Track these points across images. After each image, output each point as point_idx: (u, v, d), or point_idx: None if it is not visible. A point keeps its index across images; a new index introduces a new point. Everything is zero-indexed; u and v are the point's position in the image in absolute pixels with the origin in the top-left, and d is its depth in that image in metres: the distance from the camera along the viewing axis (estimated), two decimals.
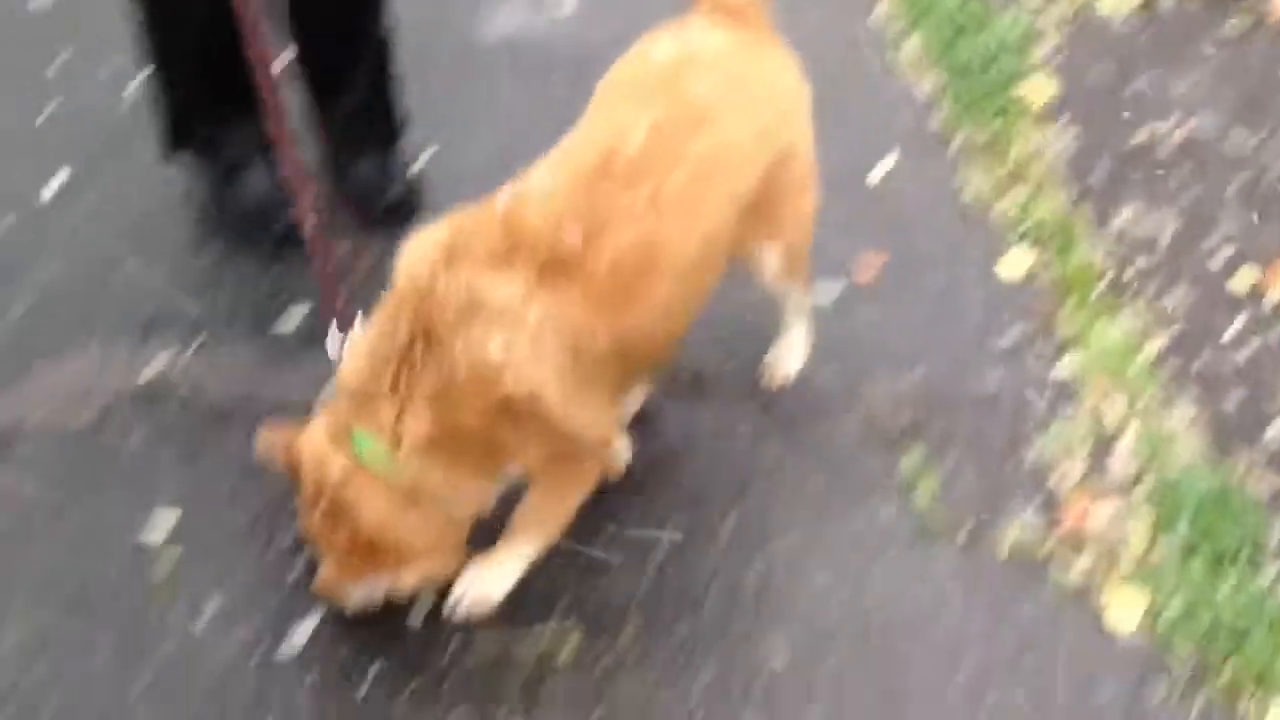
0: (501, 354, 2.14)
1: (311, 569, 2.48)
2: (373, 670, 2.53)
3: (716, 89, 2.35)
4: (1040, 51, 3.86)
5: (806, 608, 2.60)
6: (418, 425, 2.19)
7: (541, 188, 2.28)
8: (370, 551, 2.29)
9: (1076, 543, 2.65)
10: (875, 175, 3.43)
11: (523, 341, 2.15)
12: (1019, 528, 2.68)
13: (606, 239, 2.19)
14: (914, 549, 2.68)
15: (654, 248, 2.24)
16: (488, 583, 2.58)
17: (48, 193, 3.43)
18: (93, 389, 2.98)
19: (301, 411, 2.48)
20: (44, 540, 2.72)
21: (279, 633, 2.56)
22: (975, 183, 3.43)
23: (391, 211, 3.26)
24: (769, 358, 2.94)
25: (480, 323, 2.14)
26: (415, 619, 2.59)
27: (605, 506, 2.72)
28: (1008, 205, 3.37)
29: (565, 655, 2.53)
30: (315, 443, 2.29)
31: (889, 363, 2.99)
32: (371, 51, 3.18)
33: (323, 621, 2.58)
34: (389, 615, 2.56)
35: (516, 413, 2.20)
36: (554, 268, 2.18)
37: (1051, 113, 3.67)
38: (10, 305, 3.15)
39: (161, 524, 2.72)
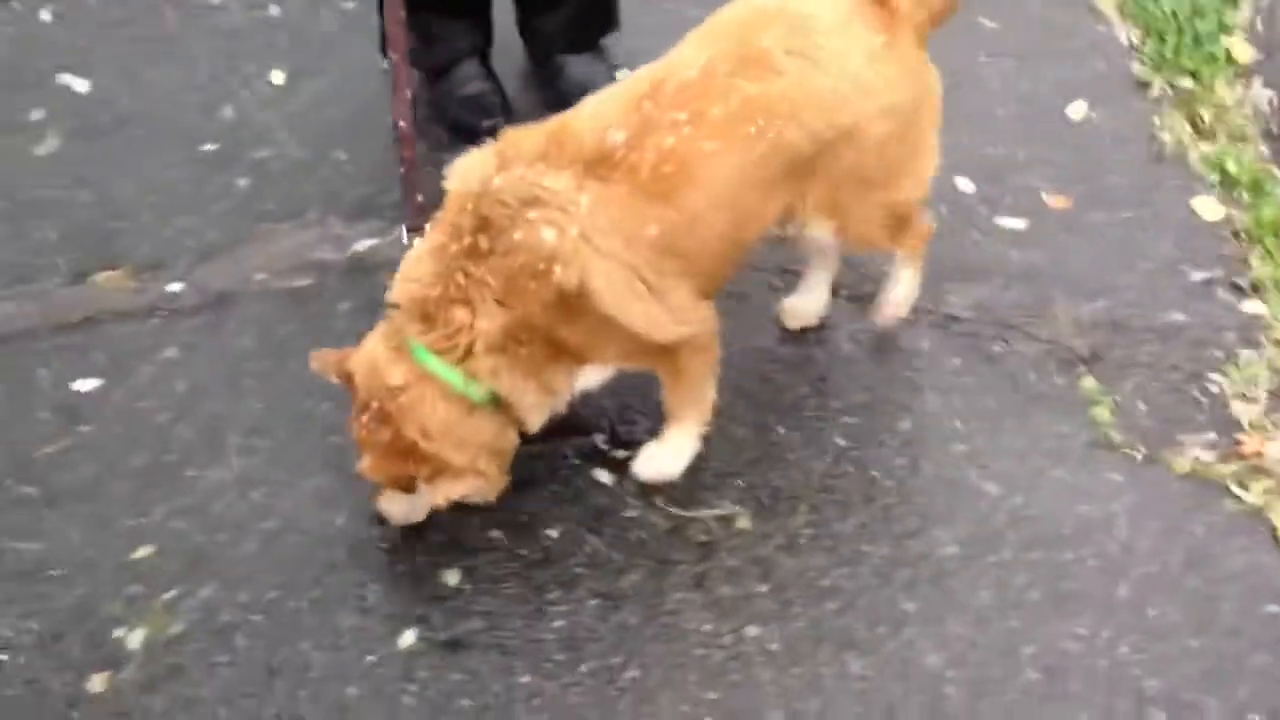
0: (555, 240, 2.28)
1: None
2: (554, 530, 2.66)
3: (791, 46, 2.39)
4: (1241, 15, 3.82)
5: (977, 509, 2.65)
6: (490, 324, 2.33)
7: (592, 104, 2.43)
8: (421, 460, 2.40)
9: (1255, 469, 2.66)
10: (1074, 112, 3.46)
11: (574, 226, 2.28)
12: (1197, 449, 2.70)
13: (648, 143, 2.32)
14: (1087, 463, 2.72)
15: (692, 159, 2.34)
16: (663, 460, 2.71)
17: (270, 86, 3.63)
18: (307, 259, 3.17)
19: None
20: (255, 393, 2.92)
21: None
22: (1172, 129, 3.42)
23: None
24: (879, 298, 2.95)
25: (536, 210, 2.28)
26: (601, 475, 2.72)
27: (785, 398, 2.82)
28: (1202, 153, 3.36)
29: (737, 532, 2.63)
30: (371, 354, 2.42)
31: (1075, 289, 3.02)
32: None
33: (509, 480, 2.72)
34: (568, 476, 2.70)
35: (571, 305, 2.32)
36: (599, 164, 2.32)
37: (1249, 72, 3.64)
38: (235, 180, 3.37)
39: None
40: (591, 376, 2.58)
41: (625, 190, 2.32)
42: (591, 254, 2.30)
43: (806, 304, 2.97)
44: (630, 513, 2.69)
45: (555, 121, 2.41)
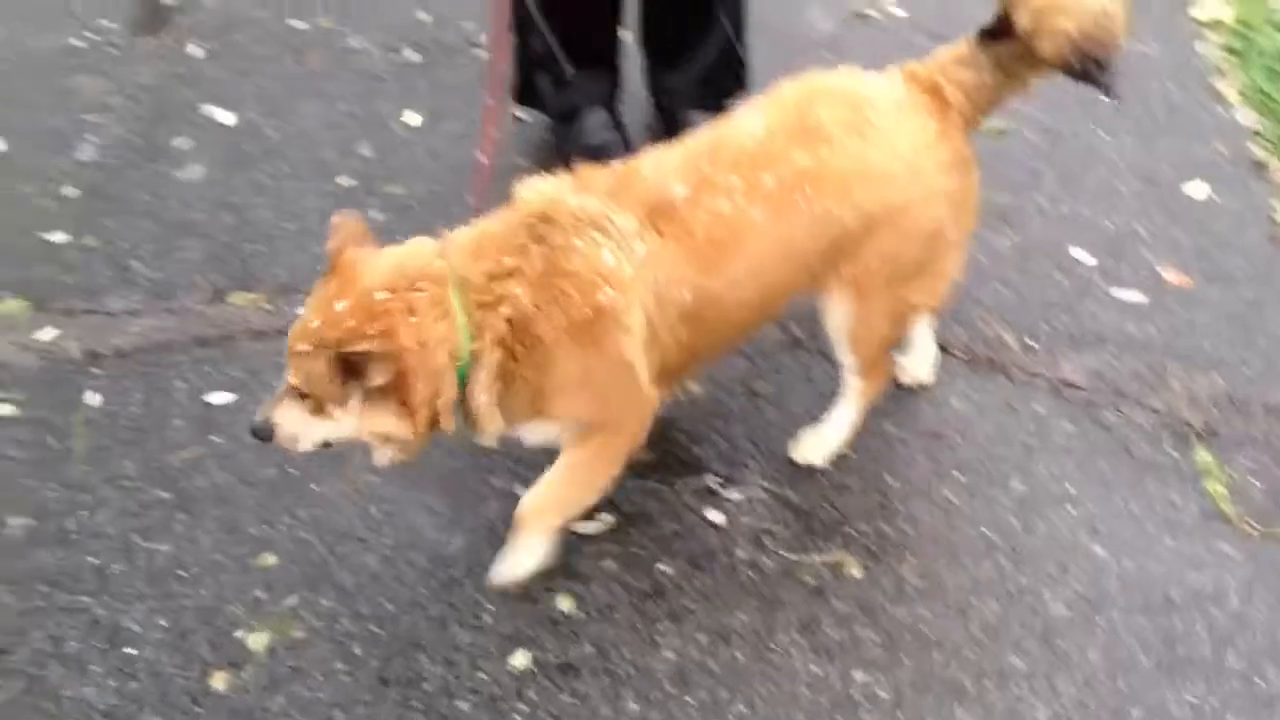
0: (612, 264, 2.31)
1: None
2: (666, 565, 2.71)
3: (847, 122, 2.42)
4: None
5: (1087, 572, 2.67)
6: (515, 308, 2.29)
7: (654, 157, 2.47)
8: (386, 367, 2.22)
9: None
10: (1193, 191, 3.49)
11: (629, 265, 2.32)
12: None
13: (704, 203, 2.36)
14: (1199, 534, 2.72)
15: (742, 228, 2.37)
16: (511, 564, 2.65)
17: (405, 127, 3.77)
18: None
19: None
20: None
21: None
22: None
23: None
24: (803, 434, 2.90)
25: (601, 235, 2.32)
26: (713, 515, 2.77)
27: (896, 452, 2.86)
28: None
29: (846, 578, 2.67)
30: (409, 254, 2.33)
31: (1191, 363, 3.04)
32: (727, 11, 3.42)
33: (623, 514, 2.78)
34: (680, 514, 2.76)
35: (584, 334, 2.32)
36: (659, 214, 2.36)
37: None
38: (370, 213, 3.49)
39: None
40: (532, 431, 2.50)
41: (675, 250, 2.36)
42: (636, 296, 2.34)
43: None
44: (741, 553, 2.73)
45: (625, 165, 2.46)
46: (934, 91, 2.51)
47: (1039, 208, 3.41)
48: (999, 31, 2.46)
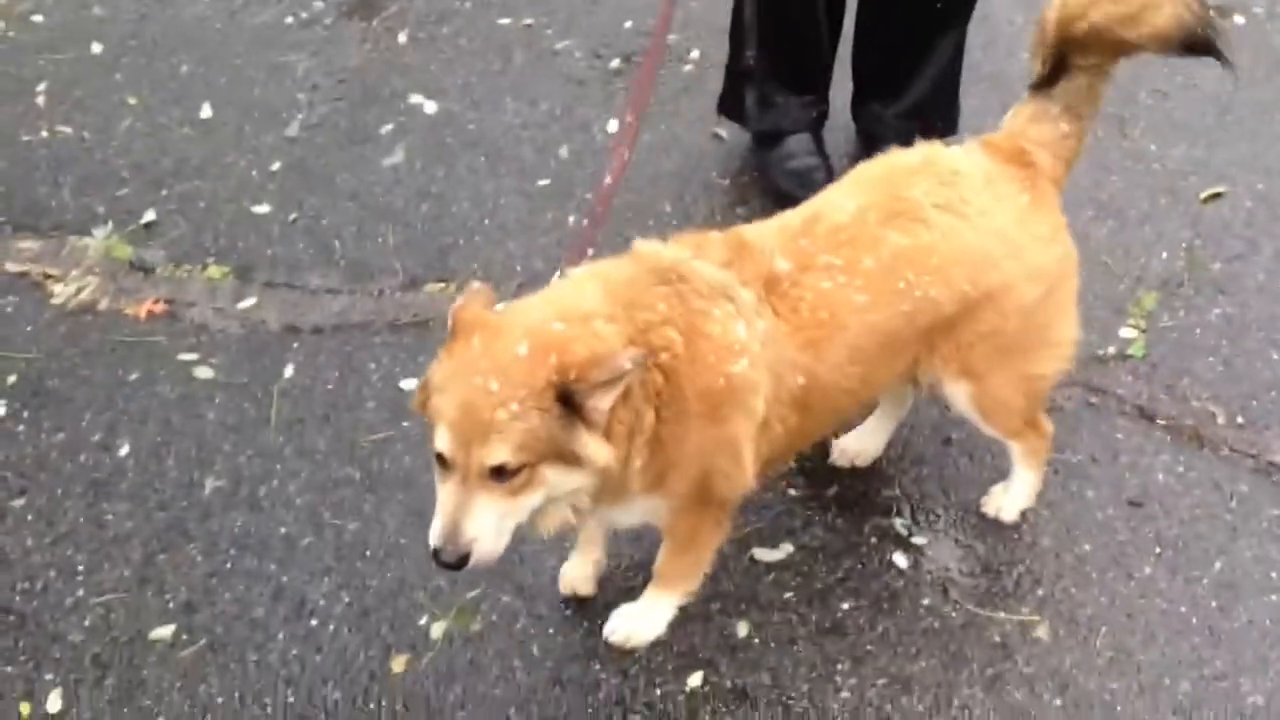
0: (745, 337, 2.18)
1: None
2: (848, 604, 2.66)
3: (940, 200, 2.34)
4: None
5: None
6: (666, 354, 2.13)
7: (752, 230, 2.36)
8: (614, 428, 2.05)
9: None
10: None
11: (756, 340, 2.20)
12: None
13: (807, 281, 2.26)
14: None
15: (843, 309, 2.27)
16: (636, 624, 2.58)
17: (605, 133, 3.78)
18: None
19: None
20: None
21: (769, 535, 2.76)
22: None
23: None
24: (995, 489, 2.82)
25: (732, 306, 2.19)
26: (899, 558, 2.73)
27: (1095, 517, 2.78)
28: None
29: (1034, 640, 2.59)
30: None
31: None
32: (944, 51, 3.39)
33: (805, 546, 2.75)
34: (866, 554, 2.72)
35: (722, 407, 2.18)
36: (771, 288, 2.24)
37: None
38: (566, 215, 3.50)
39: None
40: (631, 510, 2.32)
41: (788, 330, 2.24)
42: (762, 375, 2.22)
43: (863, 444, 2.88)
44: (925, 600, 2.67)
45: (731, 234, 2.33)
46: (1019, 158, 2.42)
47: (1255, 280, 3.29)
48: (1057, 71, 2.40)
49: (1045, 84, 2.43)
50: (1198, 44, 2.33)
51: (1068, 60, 2.39)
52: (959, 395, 2.52)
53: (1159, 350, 3.13)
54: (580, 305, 2.11)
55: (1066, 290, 2.50)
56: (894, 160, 2.46)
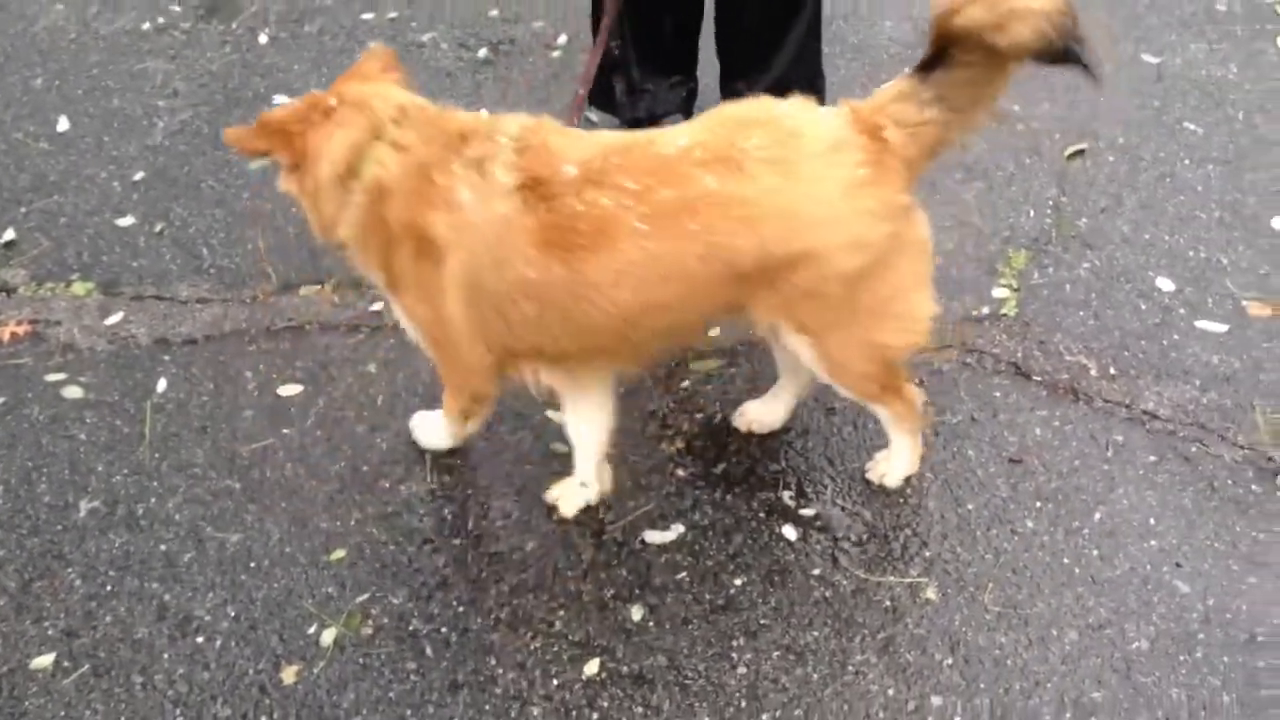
0: (464, 202, 2.37)
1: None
2: (739, 580, 2.67)
3: (768, 155, 2.36)
4: None
5: (1169, 607, 2.62)
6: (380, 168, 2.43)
7: (577, 135, 2.49)
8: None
9: None
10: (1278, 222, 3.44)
11: (482, 213, 2.37)
12: None
13: (585, 194, 2.34)
14: None
15: (615, 228, 2.33)
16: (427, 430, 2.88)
17: None
18: None
19: None
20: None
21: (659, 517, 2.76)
22: None
23: None
24: (878, 455, 2.87)
25: (476, 175, 2.39)
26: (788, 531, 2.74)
27: (976, 476, 2.82)
28: None
29: (924, 602, 2.62)
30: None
31: (1275, 398, 2.98)
32: (802, 25, 3.39)
33: (695, 525, 2.75)
34: (754, 529, 2.73)
35: (413, 243, 2.43)
36: (537, 183, 2.36)
37: None
38: None
39: (557, 415, 2.94)
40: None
41: (530, 224, 2.35)
42: (466, 246, 2.38)
43: (764, 412, 2.95)
44: (815, 570, 2.69)
45: (539, 127, 2.45)
46: (873, 132, 2.41)
47: (1121, 233, 3.37)
48: (937, 59, 2.38)
49: (923, 68, 2.42)
50: (1060, 57, 2.32)
51: (948, 51, 2.37)
52: (801, 350, 2.57)
53: (1031, 307, 3.18)
54: (375, 111, 2.44)
55: (909, 267, 2.51)
56: (746, 109, 2.47)
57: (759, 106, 2.47)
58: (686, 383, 3.03)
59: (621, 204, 2.33)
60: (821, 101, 3.49)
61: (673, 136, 2.43)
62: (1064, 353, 3.08)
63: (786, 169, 2.35)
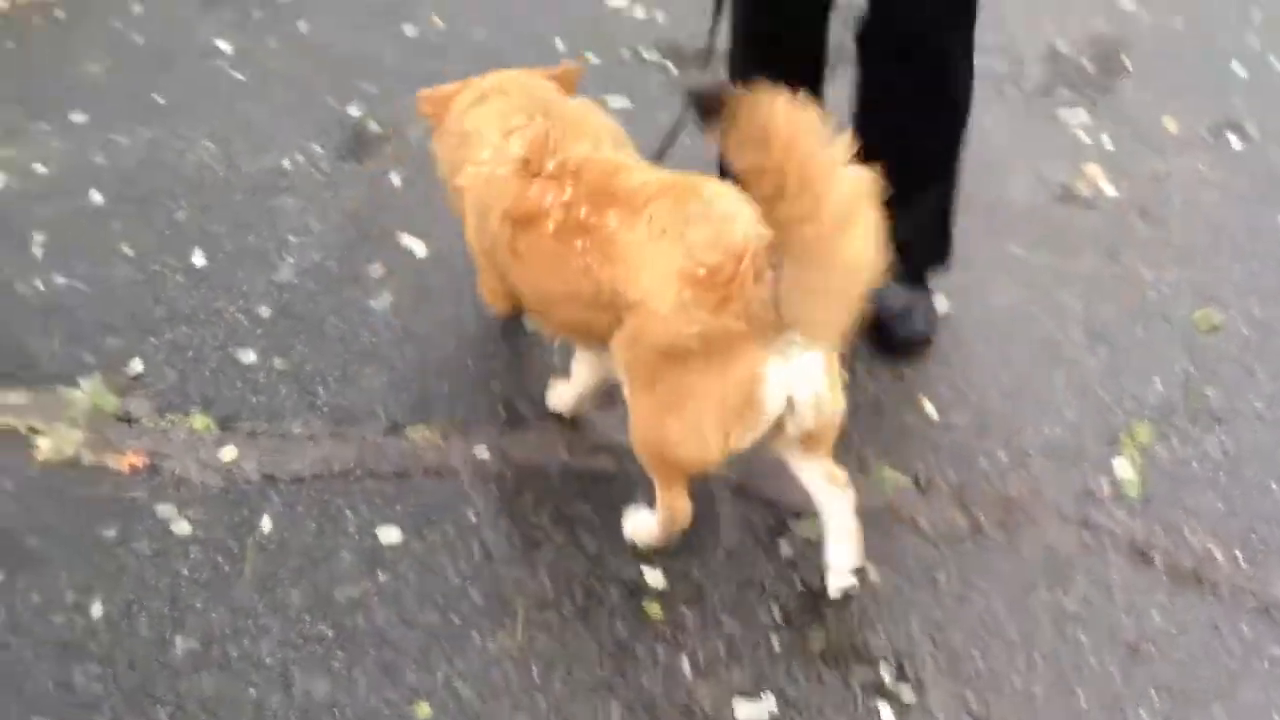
0: (484, 156, 2.91)
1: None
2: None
3: (666, 218, 2.50)
4: None
5: None
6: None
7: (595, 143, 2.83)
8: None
9: None
10: None
11: (494, 166, 2.86)
12: None
13: (549, 184, 2.70)
14: None
15: (546, 219, 2.67)
16: None
17: None
18: (610, 441, 3.22)
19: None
20: (547, 567, 2.95)
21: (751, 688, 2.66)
22: None
23: (908, 345, 3.39)
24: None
25: (507, 136, 2.89)
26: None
27: (1089, 662, 2.68)
28: None
29: None
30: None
31: None
32: (942, 179, 3.33)
33: (784, 700, 2.65)
34: (854, 705, 2.62)
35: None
36: (527, 164, 2.78)
37: None
38: (553, 357, 3.47)
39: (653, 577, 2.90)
40: None
41: (511, 190, 2.77)
42: (478, 193, 2.90)
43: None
44: None
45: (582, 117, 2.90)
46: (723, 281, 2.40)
47: (1253, 409, 3.22)
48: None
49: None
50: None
51: None
52: (622, 380, 2.71)
53: (1155, 485, 3.04)
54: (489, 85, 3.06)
55: (715, 393, 2.47)
56: (713, 187, 2.54)
57: (717, 187, 2.54)
58: (788, 549, 2.95)
59: (556, 201, 2.64)
60: (944, 261, 3.44)
61: (645, 176, 2.63)
62: (1188, 535, 2.93)
63: (662, 233, 2.47)
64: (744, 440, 2.53)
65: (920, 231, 3.38)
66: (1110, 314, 3.50)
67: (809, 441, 2.62)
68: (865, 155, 3.21)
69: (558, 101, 2.93)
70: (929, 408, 3.27)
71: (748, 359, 2.42)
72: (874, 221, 2.18)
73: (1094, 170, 4.01)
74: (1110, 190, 3.95)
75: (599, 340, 2.74)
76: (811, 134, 2.12)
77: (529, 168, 2.75)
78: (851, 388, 3.30)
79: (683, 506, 2.79)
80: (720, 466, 2.64)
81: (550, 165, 2.72)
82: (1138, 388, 3.29)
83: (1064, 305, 3.52)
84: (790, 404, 2.48)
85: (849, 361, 3.38)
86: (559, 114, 2.87)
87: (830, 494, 2.75)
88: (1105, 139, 4.16)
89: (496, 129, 2.87)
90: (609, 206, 2.56)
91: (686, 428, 2.55)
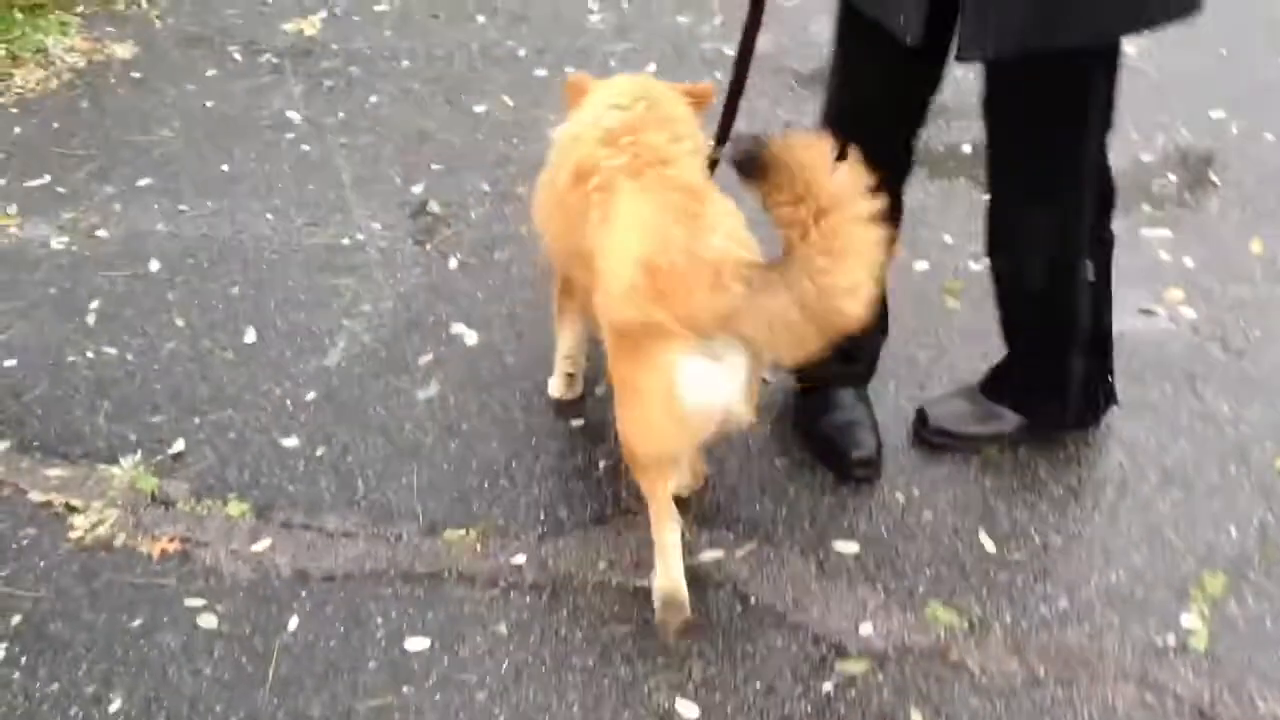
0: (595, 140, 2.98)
1: None
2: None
3: (681, 210, 2.65)
4: None
5: None
6: None
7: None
8: None
9: None
10: None
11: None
12: None
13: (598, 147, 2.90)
14: None
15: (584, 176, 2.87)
16: None
17: None
18: (653, 558, 3.10)
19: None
20: (577, 689, 2.83)
21: None
22: None
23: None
24: None
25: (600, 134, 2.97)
26: None
27: None
28: None
29: None
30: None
31: None
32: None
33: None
34: None
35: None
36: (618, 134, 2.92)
37: None
38: (598, 460, 3.38)
39: (686, 708, 2.77)
40: None
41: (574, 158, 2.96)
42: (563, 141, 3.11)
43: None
44: None
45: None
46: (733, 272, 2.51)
47: None
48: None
49: None
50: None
51: None
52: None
53: (1224, 642, 2.86)
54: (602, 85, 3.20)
55: (649, 389, 2.63)
56: (715, 192, 2.78)
57: (722, 201, 2.74)
58: (829, 686, 2.81)
59: (607, 164, 2.78)
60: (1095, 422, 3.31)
61: (683, 173, 2.77)
62: (1257, 700, 2.74)
63: (650, 219, 2.60)
64: (680, 436, 2.74)
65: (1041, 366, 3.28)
66: (1184, 451, 3.33)
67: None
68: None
69: (669, 103, 3.03)
70: (986, 540, 3.12)
71: (674, 354, 2.56)
72: (873, 253, 2.38)
73: (1174, 294, 3.86)
74: (1190, 315, 3.79)
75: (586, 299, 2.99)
76: (824, 167, 2.37)
77: (609, 136, 2.87)
78: (904, 511, 3.18)
79: (664, 518, 2.88)
80: (670, 464, 2.87)
81: (625, 140, 2.83)
82: (1211, 534, 3.12)
83: (1135, 439, 3.36)
84: (713, 406, 2.64)
85: (906, 486, 3.26)
86: (661, 110, 2.98)
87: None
88: (1187, 260, 4.00)
89: (604, 104, 3.00)
90: (633, 180, 2.71)
91: (630, 414, 2.76)
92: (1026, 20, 2.51)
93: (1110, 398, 3.30)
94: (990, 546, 3.10)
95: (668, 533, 2.88)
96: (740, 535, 3.16)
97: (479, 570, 3.10)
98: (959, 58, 2.63)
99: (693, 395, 2.58)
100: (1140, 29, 2.65)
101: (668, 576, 2.90)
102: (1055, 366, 3.20)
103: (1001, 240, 3.09)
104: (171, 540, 3.20)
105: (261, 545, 3.18)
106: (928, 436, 3.37)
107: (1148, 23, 2.62)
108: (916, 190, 3.53)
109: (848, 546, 3.12)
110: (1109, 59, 2.77)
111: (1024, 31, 2.53)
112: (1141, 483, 3.24)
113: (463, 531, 3.20)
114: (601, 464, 3.37)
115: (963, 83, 3.12)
